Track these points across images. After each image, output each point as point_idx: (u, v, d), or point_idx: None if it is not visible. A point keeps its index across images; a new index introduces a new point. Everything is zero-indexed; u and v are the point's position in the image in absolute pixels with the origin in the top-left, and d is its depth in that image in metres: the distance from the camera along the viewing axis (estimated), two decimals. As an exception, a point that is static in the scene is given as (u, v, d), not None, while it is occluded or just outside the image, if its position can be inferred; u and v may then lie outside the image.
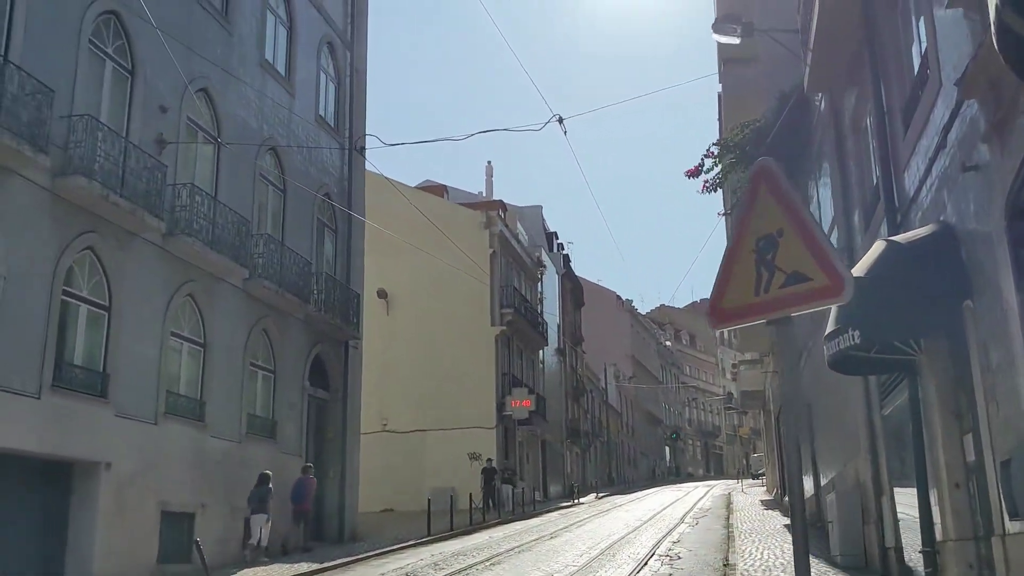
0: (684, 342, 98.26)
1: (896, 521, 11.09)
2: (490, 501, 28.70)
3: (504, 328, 37.45)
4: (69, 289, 14.28)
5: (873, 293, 7.51)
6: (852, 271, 8.26)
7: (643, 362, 76.42)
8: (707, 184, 18.73)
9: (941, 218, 7.89)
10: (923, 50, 8.51)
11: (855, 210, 12.77)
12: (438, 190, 42.92)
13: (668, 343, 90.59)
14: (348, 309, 23.33)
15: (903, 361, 8.66)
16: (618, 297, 74.83)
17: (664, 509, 31.81)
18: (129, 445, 15.09)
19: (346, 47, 25.54)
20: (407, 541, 21.78)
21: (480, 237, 37.48)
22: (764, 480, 47.65)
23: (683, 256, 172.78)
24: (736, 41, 14.57)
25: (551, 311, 48.73)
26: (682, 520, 25.97)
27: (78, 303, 14.54)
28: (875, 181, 10.87)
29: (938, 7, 7.29)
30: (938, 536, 8.53)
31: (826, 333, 8.27)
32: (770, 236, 4.14)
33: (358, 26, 26.26)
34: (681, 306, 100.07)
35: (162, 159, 16.25)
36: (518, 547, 19.92)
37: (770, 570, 13.68)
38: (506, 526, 26.87)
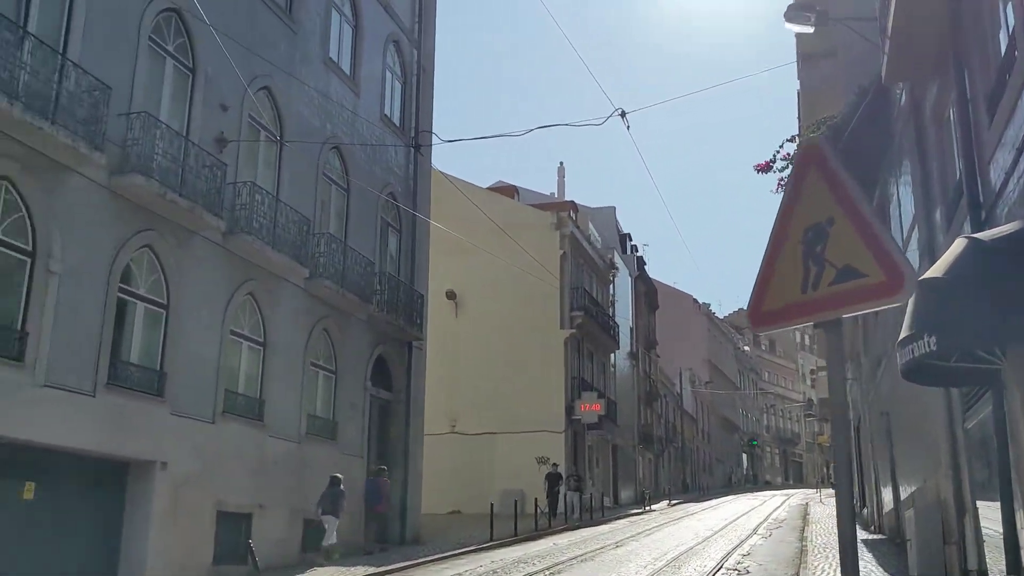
0: (763, 347, 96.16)
1: (980, 542, 10.26)
2: (554, 507, 28.14)
3: (574, 331, 36.87)
4: (126, 287, 14.25)
5: (952, 295, 6.78)
6: (931, 272, 7.55)
7: (720, 367, 74.94)
8: (781, 183, 17.95)
9: (1030, 213, 7.14)
10: (1011, 31, 7.75)
11: (936, 208, 11.93)
12: (509, 191, 42.59)
13: (746, 348, 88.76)
14: (412, 310, 23.08)
15: (986, 371, 7.88)
16: (694, 300, 73.55)
17: (738, 519, 30.90)
18: (185, 444, 15.00)
19: (413, 45, 25.33)
20: (469, 546, 21.43)
21: (550, 238, 37.00)
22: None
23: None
24: (810, 30, 13.81)
25: (624, 314, 47.96)
26: (755, 531, 25.11)
27: (135, 301, 14.51)
28: (958, 176, 10.08)
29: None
30: (1025, 560, 7.77)
31: (899, 339, 7.56)
32: (819, 225, 3.58)
33: (425, 24, 26.03)
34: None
35: (222, 158, 16.17)
36: (580, 556, 19.39)
37: (842, 590, 12.92)
38: (572, 533, 26.32)
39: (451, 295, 36.54)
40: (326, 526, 17.97)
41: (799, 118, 28.26)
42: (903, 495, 17.42)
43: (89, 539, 13.71)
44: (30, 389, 12.15)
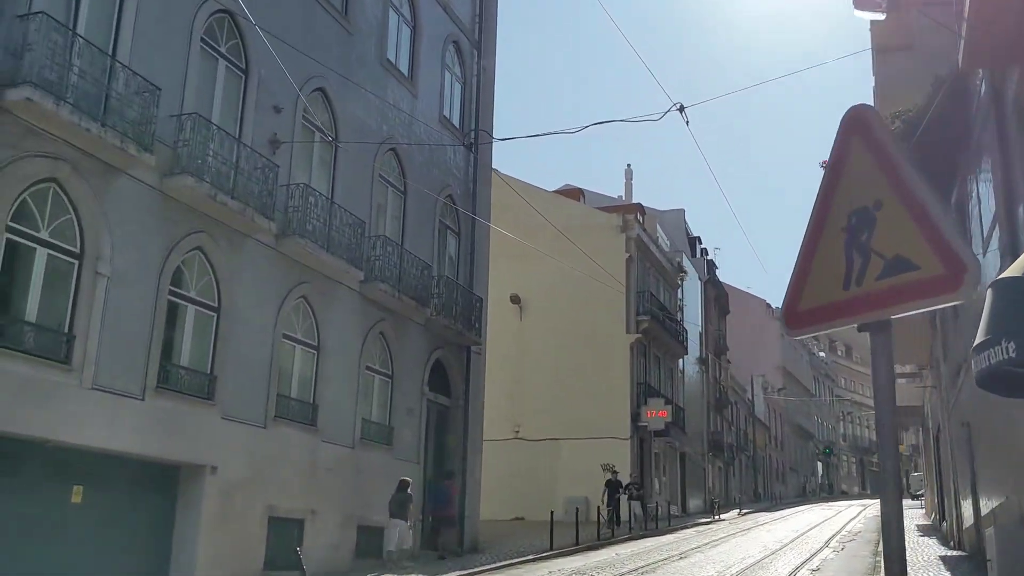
0: (839, 353, 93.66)
1: (1068, 567, 9.43)
2: (615, 515, 27.44)
3: (640, 336, 36.11)
4: (176, 289, 14.16)
5: (1034, 296, 6.10)
6: (1010, 270, 6.85)
7: (794, 373, 73.07)
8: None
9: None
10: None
11: (1020, 204, 11.09)
12: (574, 194, 42.04)
13: (822, 354, 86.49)
14: (470, 314, 22.72)
15: (1074, 380, 7.13)
16: (767, 305, 71.88)
17: (810, 530, 29.85)
18: (236, 449, 14.85)
19: (473, 46, 25.02)
20: (527, 555, 20.96)
21: (616, 241, 36.33)
22: (923, 502, 44.34)
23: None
24: (880, 16, 13.06)
25: (693, 319, 46.96)
26: (827, 544, 24.15)
27: (186, 304, 14.41)
28: (1043, 168, 9.28)
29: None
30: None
31: (975, 343, 6.88)
32: (866, 210, 3.04)
33: (486, 25, 25.69)
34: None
35: (275, 159, 16.02)
36: (642, 568, 18.79)
37: (915, 612, 12.12)
38: (636, 542, 25.66)
39: (515, 299, 36.15)
40: (395, 530, 17.77)
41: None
42: (984, 511, 16.42)
43: (140, 543, 13.62)
44: (77, 392, 12.09)
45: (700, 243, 56.18)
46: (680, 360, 44.07)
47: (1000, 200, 12.22)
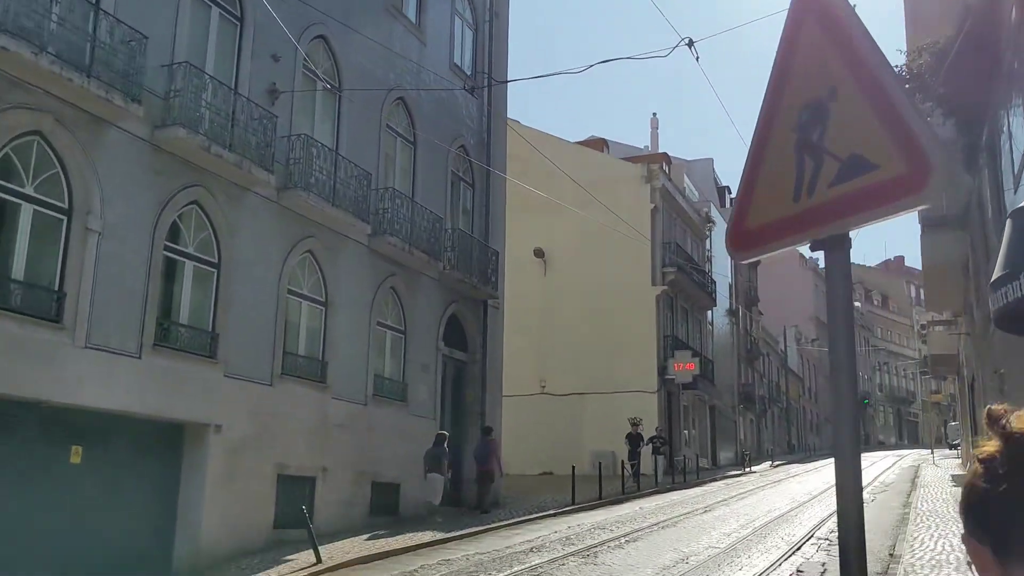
0: (876, 303, 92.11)
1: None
2: (636, 469, 27.01)
3: (666, 288, 35.44)
4: (173, 245, 13.80)
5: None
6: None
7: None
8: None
9: None
10: None
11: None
12: (598, 144, 41.14)
13: (857, 303, 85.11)
14: (487, 267, 22.22)
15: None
16: (800, 255, 70.62)
17: (841, 482, 29.30)
18: (241, 407, 14.57)
19: (484, -10, 24.25)
20: (548, 510, 20.67)
21: (641, 192, 35.53)
22: (960, 452, 43.62)
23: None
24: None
25: (722, 271, 46.10)
26: (857, 496, 23.62)
27: (184, 260, 14.06)
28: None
29: None
30: None
31: (992, 279, 6.29)
32: (818, 103, 2.49)
33: (498, -32, 24.88)
34: (873, 264, 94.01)
35: (275, 111, 15.53)
36: (664, 521, 18.43)
37: (940, 566, 11.61)
38: (661, 496, 25.30)
39: (539, 253, 35.62)
40: (434, 484, 18.12)
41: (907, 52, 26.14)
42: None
43: (144, 503, 13.43)
44: (70, 351, 11.81)
45: (730, 193, 55.07)
46: (709, 312, 43.37)
47: (1032, 133, 11.48)
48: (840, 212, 2.36)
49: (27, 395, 11.34)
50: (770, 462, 44.42)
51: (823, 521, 17.55)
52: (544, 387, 34.59)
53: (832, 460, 2.37)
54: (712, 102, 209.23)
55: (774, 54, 2.65)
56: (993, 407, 1.29)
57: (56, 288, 11.80)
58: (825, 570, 12.15)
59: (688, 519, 19.06)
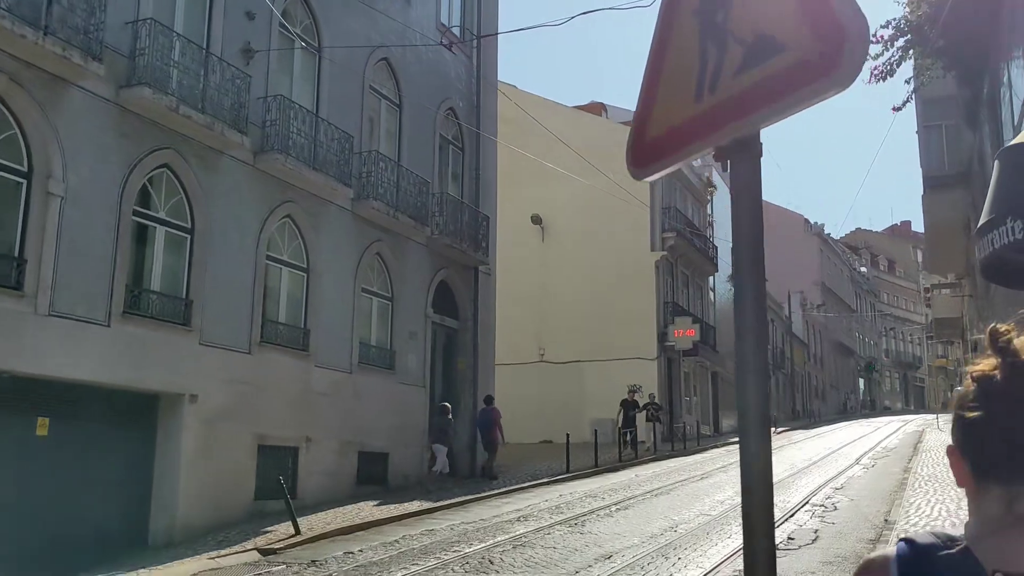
0: (882, 267, 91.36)
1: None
2: (631, 437, 26.57)
3: (665, 253, 34.86)
4: (142, 210, 13.34)
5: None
6: (1019, 137, 5.74)
7: (834, 289, 71.36)
8: (875, 72, 15.76)
9: None
10: None
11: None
12: (596, 109, 40.43)
13: (863, 269, 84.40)
14: (476, 233, 21.71)
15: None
16: (805, 220, 69.92)
17: (843, 447, 29.00)
18: (217, 376, 14.17)
19: (472, -55, 23.54)
20: (541, 478, 20.34)
21: (638, 156, 34.79)
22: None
23: (882, 176, 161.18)
24: None
25: (724, 236, 45.44)
26: (857, 461, 23.35)
27: (155, 225, 13.60)
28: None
29: None
30: None
31: (978, 224, 5.79)
32: (724, -23, 2.01)
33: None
34: (879, 229, 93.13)
35: (249, 71, 15.00)
36: (658, 489, 18.10)
37: (935, 532, 11.19)
38: (659, 463, 24.97)
39: (536, 220, 35.08)
40: (441, 454, 18.31)
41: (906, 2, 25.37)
42: None
43: (117, 476, 13.06)
44: (33, 319, 11.41)
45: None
46: (710, 278, 42.83)
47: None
48: (746, 107, 1.89)
49: (-13, 365, 10.95)
50: (773, 428, 44.07)
51: (820, 488, 17.25)
52: (543, 355, 34.19)
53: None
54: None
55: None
56: (998, 325, 1.30)
57: (16, 255, 11.37)
58: (817, 537, 11.80)
59: (684, 486, 18.72)
